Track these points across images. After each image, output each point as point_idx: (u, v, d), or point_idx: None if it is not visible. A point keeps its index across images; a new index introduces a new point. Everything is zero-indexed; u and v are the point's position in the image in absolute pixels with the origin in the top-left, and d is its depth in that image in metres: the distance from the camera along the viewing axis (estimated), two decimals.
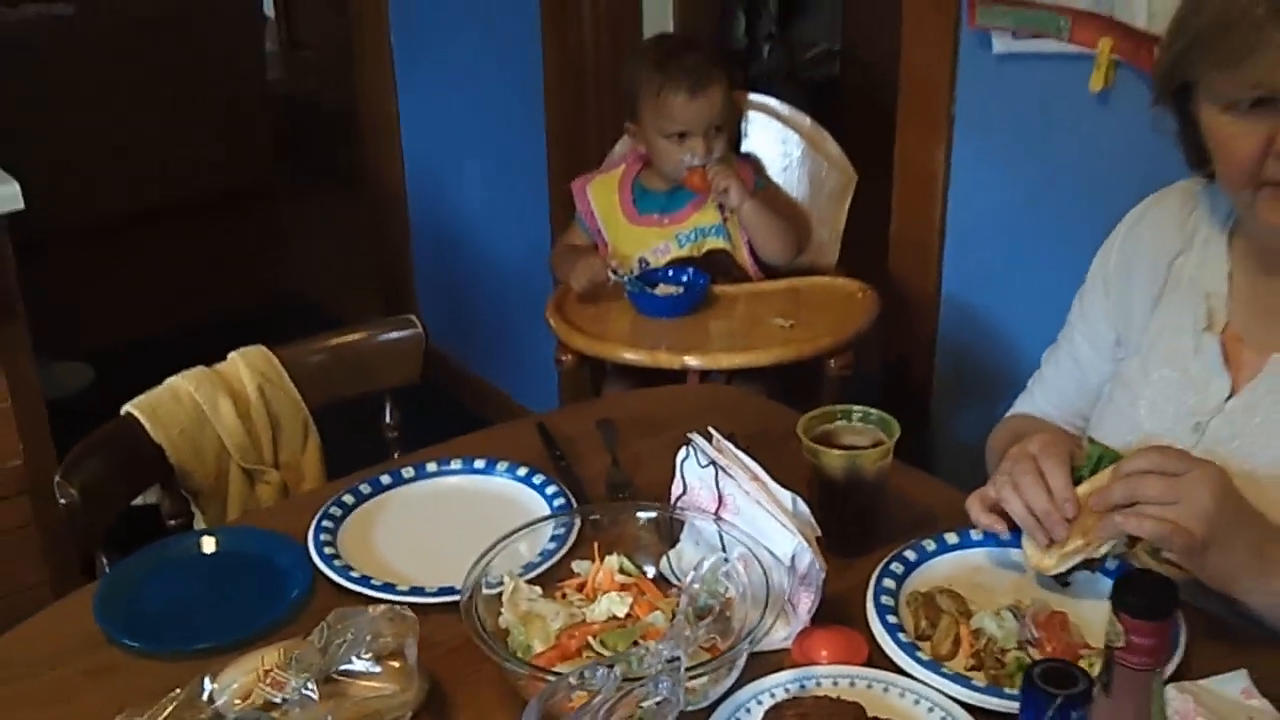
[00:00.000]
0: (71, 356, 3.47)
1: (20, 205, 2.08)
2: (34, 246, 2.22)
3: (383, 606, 1.13)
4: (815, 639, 1.15)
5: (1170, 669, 1.10)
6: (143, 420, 1.58)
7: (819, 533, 1.21)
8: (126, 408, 1.60)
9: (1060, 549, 1.21)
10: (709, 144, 2.22)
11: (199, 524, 1.64)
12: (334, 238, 4.36)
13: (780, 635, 1.16)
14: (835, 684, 1.12)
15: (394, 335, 1.83)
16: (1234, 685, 1.08)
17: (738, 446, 1.28)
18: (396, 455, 1.72)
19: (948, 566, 1.29)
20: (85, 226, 3.97)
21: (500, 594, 1.18)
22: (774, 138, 2.40)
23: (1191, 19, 1.22)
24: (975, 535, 1.31)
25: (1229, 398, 1.29)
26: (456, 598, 1.15)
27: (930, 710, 1.09)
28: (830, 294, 2.18)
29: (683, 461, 1.27)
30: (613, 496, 1.43)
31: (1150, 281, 1.39)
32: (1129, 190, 1.47)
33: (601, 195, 2.32)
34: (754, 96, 2.42)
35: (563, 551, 1.27)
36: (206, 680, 1.09)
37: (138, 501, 1.61)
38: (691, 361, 2.00)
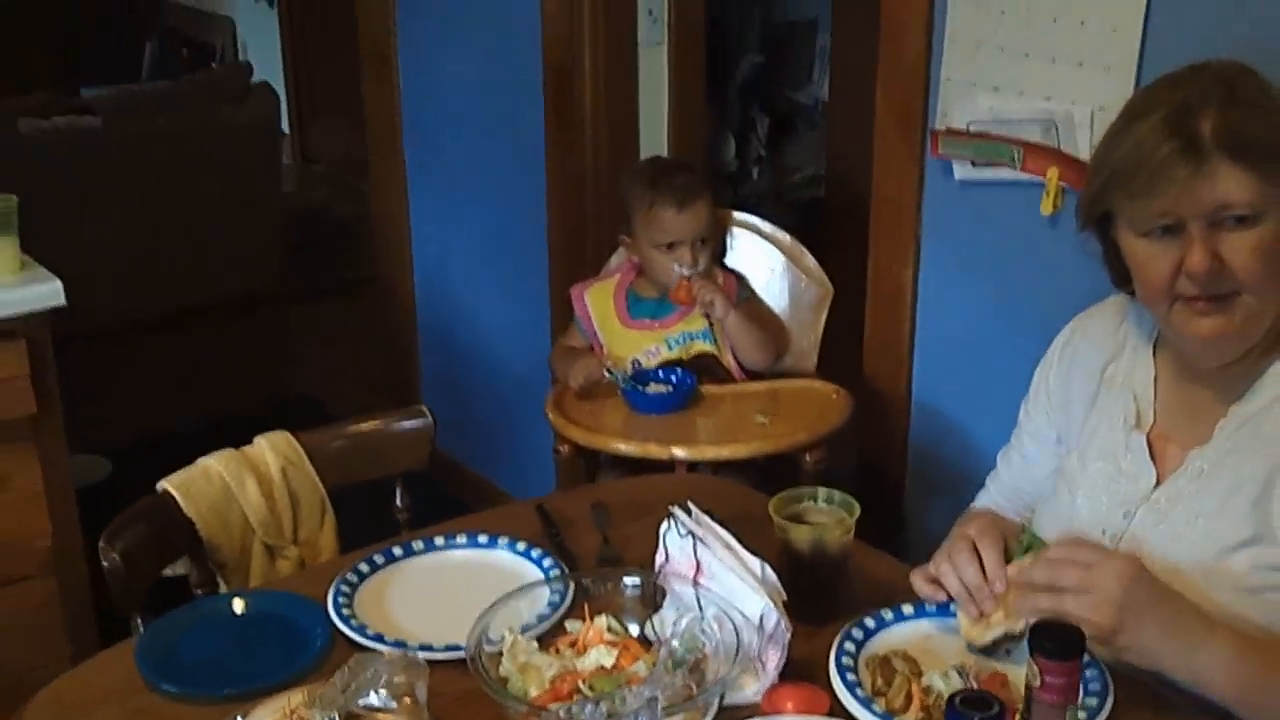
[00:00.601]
0: (89, 449, 3.56)
1: (62, 301, 2.15)
2: (56, 344, 2.22)
3: (397, 653, 1.25)
4: (782, 693, 1.26)
5: None
6: (176, 496, 1.69)
7: (784, 596, 1.33)
8: (162, 484, 1.70)
9: (986, 622, 1.34)
10: (695, 254, 2.32)
11: None
12: (342, 341, 4.42)
13: (751, 690, 1.28)
14: None
15: (406, 424, 1.92)
16: None
17: (714, 520, 1.40)
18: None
19: (903, 633, 1.40)
20: (102, 327, 4.04)
21: (501, 651, 1.30)
22: (758, 252, 2.49)
23: (1109, 157, 1.32)
24: (929, 607, 1.42)
25: (1155, 488, 1.38)
26: (461, 654, 1.27)
27: None
28: (808, 395, 2.27)
29: (665, 533, 1.39)
30: None
31: (1086, 385, 1.50)
32: (1076, 303, 1.56)
33: (598, 301, 2.42)
34: (739, 215, 2.51)
35: (558, 615, 1.38)
36: (239, 718, 1.21)
37: (167, 572, 1.69)
38: (679, 453, 2.09)
